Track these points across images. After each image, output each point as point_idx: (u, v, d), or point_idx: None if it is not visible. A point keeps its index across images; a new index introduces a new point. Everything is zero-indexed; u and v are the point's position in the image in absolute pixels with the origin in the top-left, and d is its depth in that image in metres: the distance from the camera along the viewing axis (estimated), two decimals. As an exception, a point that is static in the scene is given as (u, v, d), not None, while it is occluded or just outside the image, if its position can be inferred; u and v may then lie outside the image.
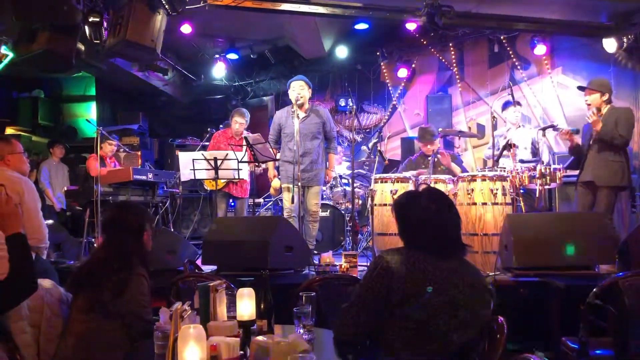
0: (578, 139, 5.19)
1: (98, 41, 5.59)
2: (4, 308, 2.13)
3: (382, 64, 9.22)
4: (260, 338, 1.97)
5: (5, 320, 2.31)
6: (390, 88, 9.36)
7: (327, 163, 5.73)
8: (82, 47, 5.69)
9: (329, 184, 6.95)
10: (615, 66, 7.45)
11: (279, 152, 5.70)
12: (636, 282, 2.67)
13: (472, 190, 4.67)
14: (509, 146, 5.35)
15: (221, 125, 6.73)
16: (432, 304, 1.97)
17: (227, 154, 5.50)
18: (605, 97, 4.93)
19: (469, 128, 8.57)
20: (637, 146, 7.18)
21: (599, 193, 4.85)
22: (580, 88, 5.18)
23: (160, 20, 5.49)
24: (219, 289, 2.15)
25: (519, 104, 6.16)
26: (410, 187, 5.01)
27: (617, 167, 4.81)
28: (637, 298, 2.64)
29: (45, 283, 2.55)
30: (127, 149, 7.68)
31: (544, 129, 5.45)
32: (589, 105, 5.00)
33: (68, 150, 8.36)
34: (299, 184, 5.17)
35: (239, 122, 6.22)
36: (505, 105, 6.16)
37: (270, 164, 5.75)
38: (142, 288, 2.51)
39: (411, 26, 7.05)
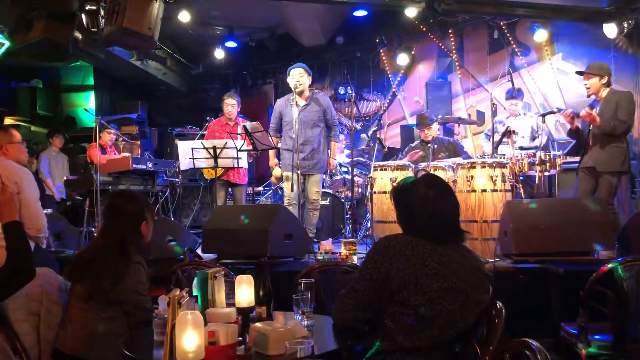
0: (578, 122, 5.17)
1: (95, 29, 5.55)
2: (2, 296, 2.14)
3: (381, 51, 9.19)
4: (259, 324, 1.97)
5: (5, 308, 2.32)
6: (389, 75, 9.32)
7: (329, 151, 5.70)
8: (79, 36, 5.65)
9: (329, 173, 6.95)
10: (616, 52, 7.40)
11: (280, 140, 5.68)
12: (635, 267, 2.67)
13: (472, 177, 4.66)
14: (508, 133, 5.33)
15: (219, 114, 6.72)
16: (431, 290, 1.96)
17: (226, 143, 5.49)
18: (605, 81, 4.90)
19: (469, 115, 8.54)
20: (638, 132, 7.15)
21: (601, 178, 4.84)
22: (579, 73, 5.16)
23: (157, 8, 5.44)
24: (217, 276, 2.15)
25: (520, 92, 6.12)
26: (409, 174, 5.01)
27: (618, 152, 4.79)
28: (635, 283, 2.64)
29: (44, 271, 2.55)
30: (126, 139, 7.68)
31: (543, 115, 5.43)
32: (588, 89, 4.97)
33: (67, 140, 8.36)
34: (299, 172, 5.16)
35: (231, 103, 6.23)
36: (508, 95, 6.14)
37: (271, 153, 5.73)
38: (141, 276, 2.51)
39: (410, 13, 7.00)
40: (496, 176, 4.61)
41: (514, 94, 5.93)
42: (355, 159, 6.26)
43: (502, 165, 4.70)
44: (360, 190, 6.91)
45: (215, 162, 5.49)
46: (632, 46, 7.28)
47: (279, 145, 5.68)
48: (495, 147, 5.26)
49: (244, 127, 5.30)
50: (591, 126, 4.92)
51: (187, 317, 1.58)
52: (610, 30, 6.84)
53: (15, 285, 2.10)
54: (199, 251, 4.50)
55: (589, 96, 5.05)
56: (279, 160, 5.75)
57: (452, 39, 8.76)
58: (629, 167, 4.94)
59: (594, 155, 4.87)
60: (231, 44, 9.19)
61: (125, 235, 2.55)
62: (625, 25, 6.71)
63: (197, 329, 1.59)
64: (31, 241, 3.41)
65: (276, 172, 5.87)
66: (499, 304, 1.90)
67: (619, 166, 4.79)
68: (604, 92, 4.91)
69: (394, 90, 9.28)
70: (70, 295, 2.55)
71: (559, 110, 5.58)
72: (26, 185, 3.62)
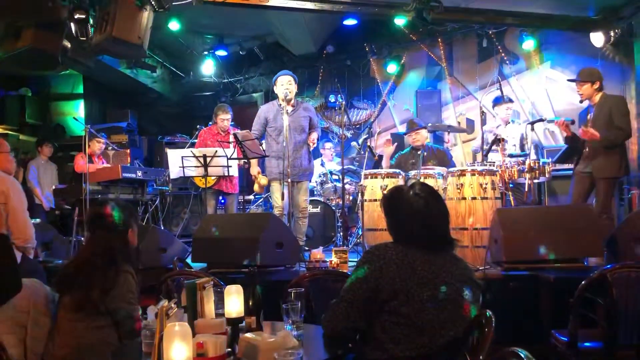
0: (574, 130, 5.21)
1: (84, 38, 5.52)
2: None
3: (371, 59, 9.23)
4: (248, 335, 1.95)
5: (-9, 320, 2.29)
6: (379, 84, 9.36)
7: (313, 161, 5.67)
8: (69, 45, 5.62)
9: (319, 181, 6.94)
10: (603, 60, 7.48)
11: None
12: (624, 274, 2.68)
13: (462, 185, 4.67)
14: (498, 141, 5.35)
15: (210, 123, 6.70)
16: (421, 299, 1.96)
17: (216, 151, 5.48)
18: (597, 86, 4.94)
19: (459, 123, 8.58)
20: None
21: (598, 184, 4.86)
22: (571, 81, 5.20)
23: (147, 16, 5.43)
24: (206, 286, 2.13)
25: (511, 100, 6.14)
26: (400, 182, 5.01)
27: (615, 158, 4.81)
28: (625, 290, 2.65)
29: (31, 282, 2.52)
30: (115, 147, 7.64)
31: (532, 123, 5.46)
32: (581, 95, 5.01)
33: (56, 149, 8.30)
34: (289, 180, 5.13)
35: (225, 118, 6.19)
36: (497, 101, 6.16)
37: (254, 161, 5.62)
38: (129, 285, 2.49)
39: (400, 21, 7.04)
40: (486, 184, 4.62)
41: (507, 100, 5.93)
42: (345, 167, 6.25)
43: (491, 173, 4.71)
44: (351, 198, 6.90)
45: (206, 170, 5.47)
46: (619, 54, 7.37)
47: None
48: (484, 155, 5.28)
49: (234, 135, 5.27)
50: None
51: (175, 329, 1.57)
52: (597, 39, 6.92)
53: (0, 299, 2.07)
54: (189, 260, 4.47)
55: (582, 102, 5.09)
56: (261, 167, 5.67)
57: (441, 48, 8.82)
58: (626, 172, 4.96)
59: (592, 162, 4.88)
60: (221, 52, 9.19)
61: (113, 245, 2.53)
62: (612, 34, 6.80)
63: (186, 341, 1.57)
64: (18, 251, 3.39)
65: (262, 180, 5.73)
66: (488, 313, 1.89)
67: (616, 172, 4.82)
68: (597, 97, 4.95)
69: (384, 98, 9.31)
70: (58, 307, 2.52)
71: (549, 120, 5.58)
72: (14, 195, 3.58)
